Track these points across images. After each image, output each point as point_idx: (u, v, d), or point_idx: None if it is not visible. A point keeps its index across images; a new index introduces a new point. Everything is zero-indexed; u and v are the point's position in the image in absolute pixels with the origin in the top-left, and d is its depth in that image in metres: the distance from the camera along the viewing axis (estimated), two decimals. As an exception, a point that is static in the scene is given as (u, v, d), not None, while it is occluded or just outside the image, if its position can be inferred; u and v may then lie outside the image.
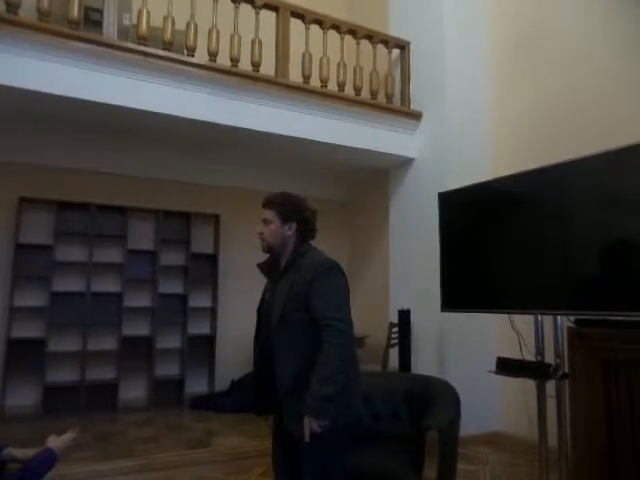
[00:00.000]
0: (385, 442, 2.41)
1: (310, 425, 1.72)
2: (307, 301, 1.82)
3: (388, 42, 4.59)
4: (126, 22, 3.86)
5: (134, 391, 5.04)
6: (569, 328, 2.48)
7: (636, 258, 2.24)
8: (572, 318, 2.46)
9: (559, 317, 2.63)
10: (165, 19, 3.59)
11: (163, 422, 4.43)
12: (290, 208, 1.97)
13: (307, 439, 1.72)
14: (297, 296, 1.83)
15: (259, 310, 2.03)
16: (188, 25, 3.67)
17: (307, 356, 1.79)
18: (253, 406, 2.01)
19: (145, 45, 3.48)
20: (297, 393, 1.77)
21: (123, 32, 3.67)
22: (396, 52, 4.72)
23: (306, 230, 1.99)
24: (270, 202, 1.98)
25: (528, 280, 2.66)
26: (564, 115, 3.69)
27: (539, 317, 2.75)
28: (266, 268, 2.05)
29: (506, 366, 2.75)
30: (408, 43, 4.67)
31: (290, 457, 1.89)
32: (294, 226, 1.96)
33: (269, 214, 1.96)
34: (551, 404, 2.62)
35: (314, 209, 2.05)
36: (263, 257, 2.09)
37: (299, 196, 2.03)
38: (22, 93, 3.17)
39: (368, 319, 5.37)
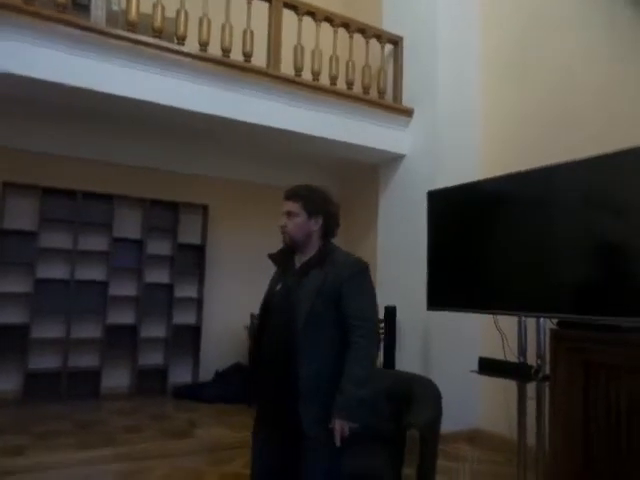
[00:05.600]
0: (365, 440, 2.42)
1: (342, 428, 1.69)
2: (338, 300, 1.78)
3: (381, 37, 4.56)
4: (115, 7, 3.78)
5: (117, 379, 5.02)
6: (551, 330, 2.50)
7: (619, 262, 2.26)
8: (555, 320, 2.48)
9: (542, 319, 2.65)
10: (155, 6, 3.52)
11: (146, 411, 4.43)
12: (317, 201, 1.89)
13: (338, 443, 1.69)
14: (329, 293, 1.78)
15: (267, 302, 1.93)
16: (178, 13, 3.60)
17: (331, 356, 1.77)
18: (246, 396, 1.97)
19: (134, 32, 3.42)
20: (319, 393, 1.74)
21: (112, 18, 3.59)
22: (389, 47, 4.68)
23: (331, 225, 1.92)
24: (295, 194, 1.89)
25: (513, 281, 2.68)
26: (556, 113, 3.69)
27: (523, 318, 2.77)
28: (279, 259, 1.98)
29: (488, 366, 2.78)
30: (401, 38, 4.64)
31: (285, 457, 1.83)
32: (320, 220, 1.88)
33: (294, 207, 1.87)
34: (532, 405, 2.66)
35: (338, 203, 1.97)
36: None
37: (324, 189, 1.95)
38: (6, 77, 3.09)
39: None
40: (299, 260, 1.93)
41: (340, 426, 1.69)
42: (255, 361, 1.94)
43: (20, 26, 3.07)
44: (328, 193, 1.95)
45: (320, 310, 1.77)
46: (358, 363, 1.72)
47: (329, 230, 1.93)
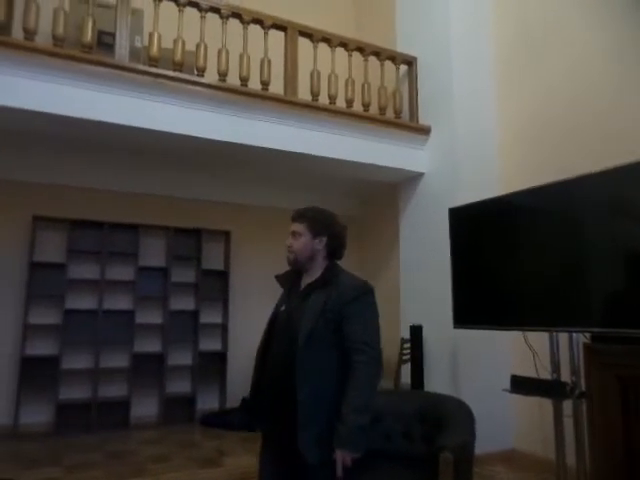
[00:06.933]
0: (397, 463, 2.37)
1: (343, 459, 1.65)
2: (340, 322, 1.77)
3: (395, 58, 4.62)
4: (137, 44, 3.93)
5: (145, 408, 5.03)
6: (585, 344, 2.44)
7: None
8: (588, 334, 2.42)
9: (574, 333, 2.59)
10: (175, 41, 3.65)
11: (174, 440, 4.42)
12: (321, 222, 1.95)
13: (340, 473, 1.63)
14: (331, 315, 1.77)
15: (271, 324, 1.95)
16: (198, 46, 3.73)
17: (332, 379, 1.75)
18: (248, 423, 1.94)
19: (156, 66, 3.54)
20: (317, 417, 1.71)
21: (134, 54, 3.74)
22: (404, 68, 4.75)
23: (335, 246, 1.95)
24: (301, 215, 1.96)
25: (543, 296, 2.63)
26: (572, 124, 3.66)
27: (554, 333, 2.71)
28: (285, 280, 2.01)
29: (521, 385, 2.70)
30: (415, 59, 4.70)
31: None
32: (324, 240, 1.93)
33: (299, 227, 1.93)
34: (568, 422, 2.57)
35: (344, 225, 2.01)
36: (274, 272, 2.08)
37: (330, 211, 2.01)
38: (37, 115, 3.23)
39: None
40: (305, 282, 1.94)
41: (342, 456, 1.65)
42: (256, 384, 1.92)
43: (49, 67, 3.21)
44: (334, 215, 2.01)
45: (321, 332, 1.76)
46: (358, 390, 1.69)
47: (334, 250, 1.96)
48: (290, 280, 1.99)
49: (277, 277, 2.04)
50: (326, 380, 1.74)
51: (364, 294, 1.84)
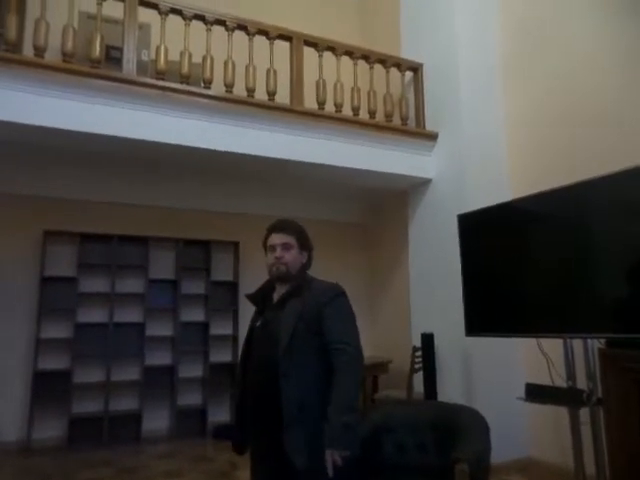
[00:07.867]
0: (412, 475, 2.33)
1: (333, 458, 1.62)
2: (319, 324, 1.78)
3: (401, 65, 4.63)
4: (144, 58, 3.97)
5: (157, 421, 5.02)
6: (600, 350, 2.39)
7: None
8: (603, 340, 2.37)
9: (589, 339, 2.54)
10: (182, 54, 3.68)
11: (186, 454, 4.39)
12: (305, 236, 1.99)
13: (331, 474, 1.61)
14: (310, 318, 1.79)
15: (248, 340, 1.94)
16: (204, 58, 3.76)
17: (313, 381, 1.75)
18: (236, 443, 1.92)
19: (163, 79, 3.57)
20: (302, 420, 1.70)
21: (142, 67, 3.77)
22: (409, 74, 4.75)
23: (311, 261, 2.00)
24: (289, 227, 1.97)
25: (555, 302, 2.58)
26: (579, 125, 3.63)
27: (568, 340, 2.66)
28: (257, 298, 2.00)
29: (536, 393, 2.65)
30: (421, 65, 4.70)
31: None
32: (306, 254, 1.98)
33: (290, 239, 1.93)
34: (586, 430, 2.51)
35: None
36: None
37: None
38: (46, 131, 3.26)
39: (390, 343, 5.28)
40: (278, 294, 1.94)
41: (330, 456, 1.63)
42: (241, 397, 1.90)
43: (58, 82, 3.25)
44: None
45: (302, 335, 1.77)
46: (341, 389, 1.69)
47: (309, 265, 2.00)
48: (262, 296, 1.99)
49: (248, 296, 2.02)
50: (310, 382, 1.75)
51: (339, 295, 1.86)
